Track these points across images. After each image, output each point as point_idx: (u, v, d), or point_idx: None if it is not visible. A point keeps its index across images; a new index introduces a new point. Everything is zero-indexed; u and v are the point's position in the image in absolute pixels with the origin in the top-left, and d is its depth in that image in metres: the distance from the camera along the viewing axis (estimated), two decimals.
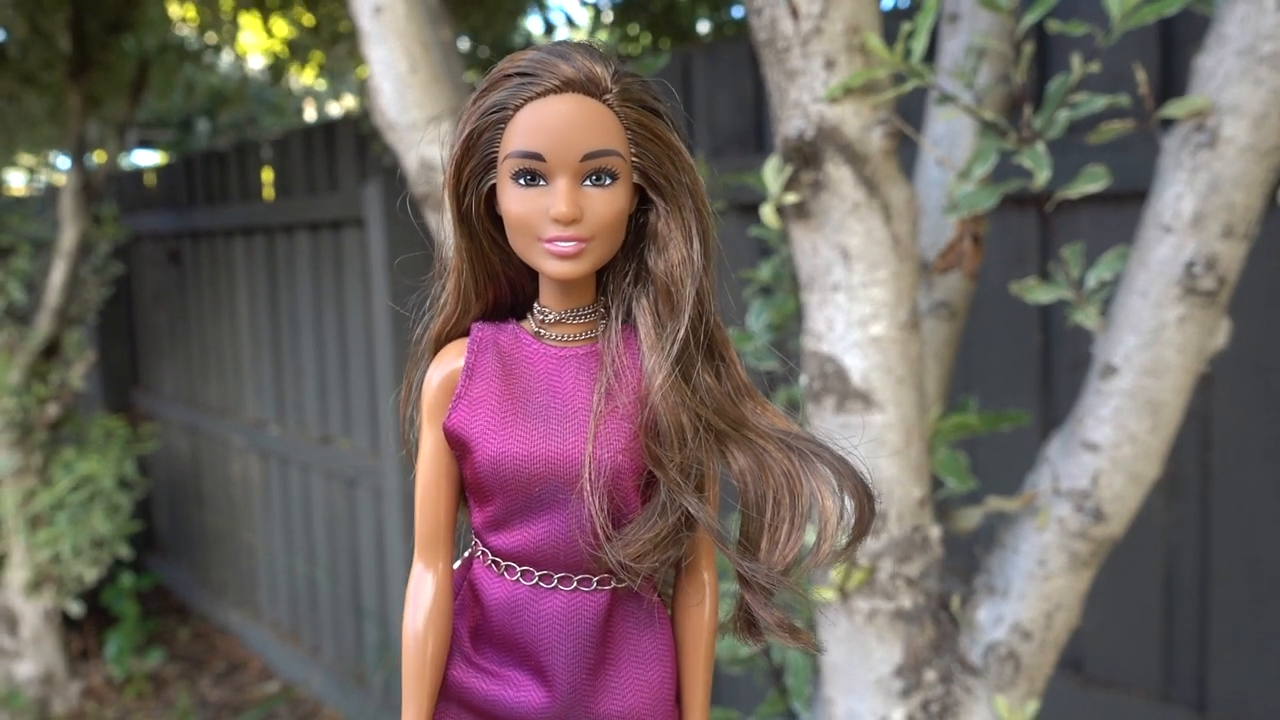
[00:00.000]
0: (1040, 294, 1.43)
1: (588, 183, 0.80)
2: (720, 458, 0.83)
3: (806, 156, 1.34)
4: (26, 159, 6.25)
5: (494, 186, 0.83)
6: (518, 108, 0.79)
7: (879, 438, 1.40)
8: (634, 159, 0.82)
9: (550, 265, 0.81)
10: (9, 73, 4.49)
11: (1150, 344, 1.31)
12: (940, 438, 1.55)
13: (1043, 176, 1.33)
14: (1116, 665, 2.11)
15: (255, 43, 5.36)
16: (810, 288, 1.41)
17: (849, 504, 0.81)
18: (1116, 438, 1.35)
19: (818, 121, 1.33)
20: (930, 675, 1.44)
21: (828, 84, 1.31)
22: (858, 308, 1.37)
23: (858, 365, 1.38)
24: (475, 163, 0.82)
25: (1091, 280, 1.41)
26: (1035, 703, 1.45)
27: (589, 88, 0.79)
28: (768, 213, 1.41)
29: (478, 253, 0.86)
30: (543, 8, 4.30)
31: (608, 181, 0.80)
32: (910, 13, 2.26)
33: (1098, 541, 1.39)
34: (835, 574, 1.43)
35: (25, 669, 4.57)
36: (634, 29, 4.20)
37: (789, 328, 1.78)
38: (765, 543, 0.81)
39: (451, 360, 0.87)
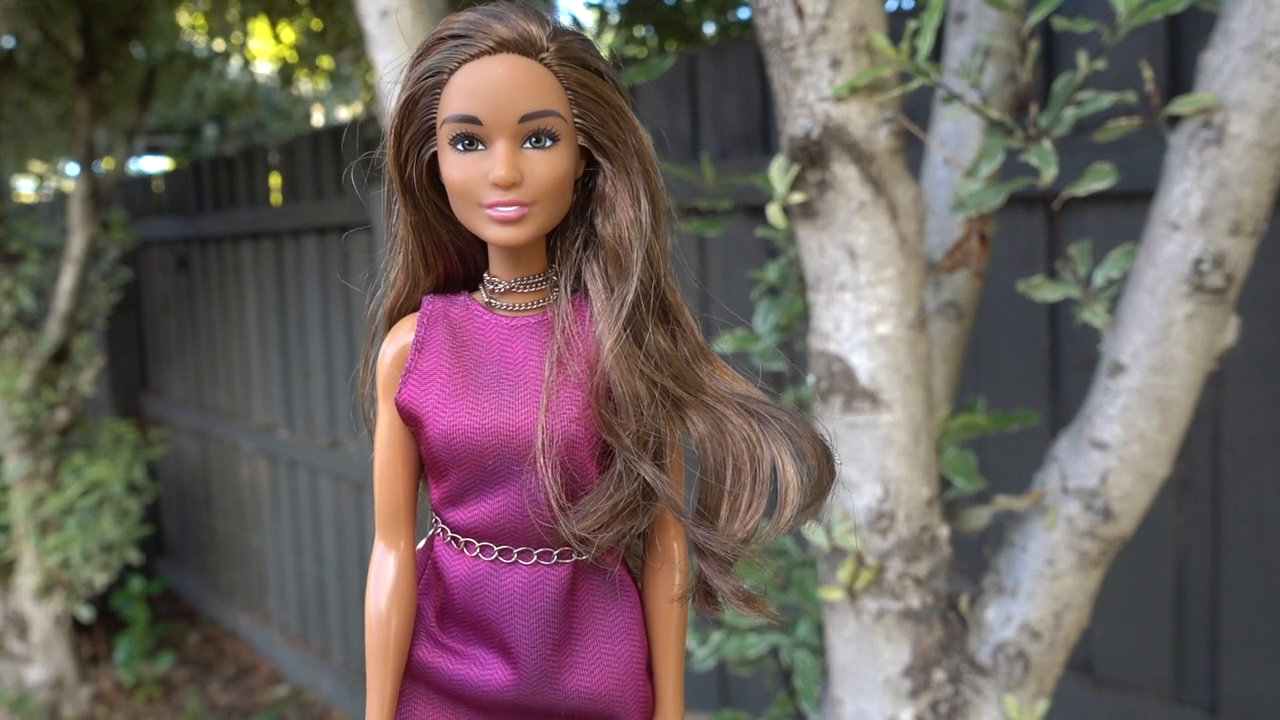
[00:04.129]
0: (1048, 292, 1.43)
1: (528, 145, 0.78)
2: (680, 424, 0.81)
3: (813, 156, 1.34)
4: (36, 165, 6.28)
5: (436, 154, 0.81)
6: (453, 71, 0.77)
7: (887, 437, 1.40)
8: (576, 120, 0.79)
9: (493, 231, 0.79)
10: (18, 79, 4.52)
11: (1159, 342, 1.30)
12: (948, 437, 1.55)
13: (1050, 174, 1.33)
14: (1127, 667, 2.10)
15: (263, 49, 5.38)
16: (817, 287, 1.41)
17: (809, 467, 0.79)
18: (1125, 436, 1.34)
19: (824, 121, 1.33)
20: (939, 675, 1.44)
21: (834, 83, 1.31)
22: (865, 307, 1.37)
23: (865, 365, 1.38)
24: (414, 130, 0.80)
25: (1099, 278, 1.41)
26: (1044, 702, 1.45)
27: (525, 47, 0.77)
28: (774, 213, 1.41)
29: (424, 224, 0.85)
30: (550, 10, 4.30)
31: (548, 143, 0.78)
32: (916, 11, 2.26)
33: (1107, 541, 1.39)
34: (844, 574, 1.43)
35: (36, 674, 4.58)
36: (640, 30, 4.20)
37: (796, 328, 1.78)
38: (725, 511, 0.79)
39: (403, 335, 0.86)
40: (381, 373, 0.86)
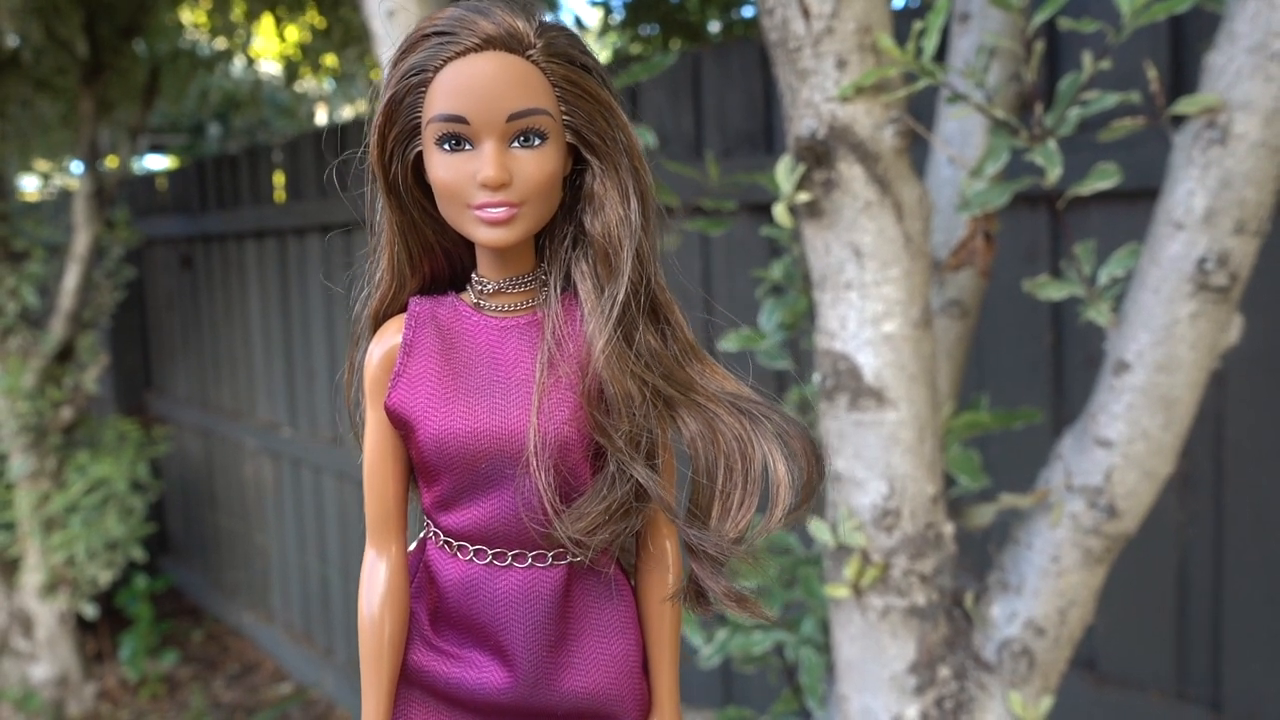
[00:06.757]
0: (1052, 291, 1.44)
1: (516, 144, 0.76)
2: (671, 424, 0.80)
3: (819, 155, 1.35)
4: (40, 164, 6.29)
5: (421, 153, 0.79)
6: (438, 69, 0.75)
7: (892, 435, 1.40)
8: (564, 117, 0.78)
9: (481, 232, 0.78)
10: (23, 78, 4.52)
11: (1163, 340, 1.31)
12: (953, 435, 1.55)
13: (1054, 174, 1.33)
14: (1130, 664, 2.11)
15: (267, 47, 5.38)
16: (823, 286, 1.42)
17: (800, 466, 0.79)
18: (1130, 434, 1.35)
19: (830, 121, 1.33)
20: (944, 672, 1.45)
21: (839, 83, 1.32)
22: (870, 306, 1.38)
23: (870, 363, 1.39)
24: (399, 129, 0.79)
25: (1103, 277, 1.41)
26: (1049, 699, 1.45)
27: (511, 44, 0.75)
28: (780, 212, 1.41)
29: (409, 225, 0.83)
30: (553, 8, 4.31)
31: (536, 142, 0.76)
32: (921, 12, 2.26)
33: (1111, 538, 1.39)
34: (849, 571, 1.43)
35: (40, 671, 4.59)
36: (644, 29, 4.21)
37: (801, 327, 1.79)
38: (717, 510, 0.79)
39: (390, 337, 0.84)
40: (369, 375, 0.84)
